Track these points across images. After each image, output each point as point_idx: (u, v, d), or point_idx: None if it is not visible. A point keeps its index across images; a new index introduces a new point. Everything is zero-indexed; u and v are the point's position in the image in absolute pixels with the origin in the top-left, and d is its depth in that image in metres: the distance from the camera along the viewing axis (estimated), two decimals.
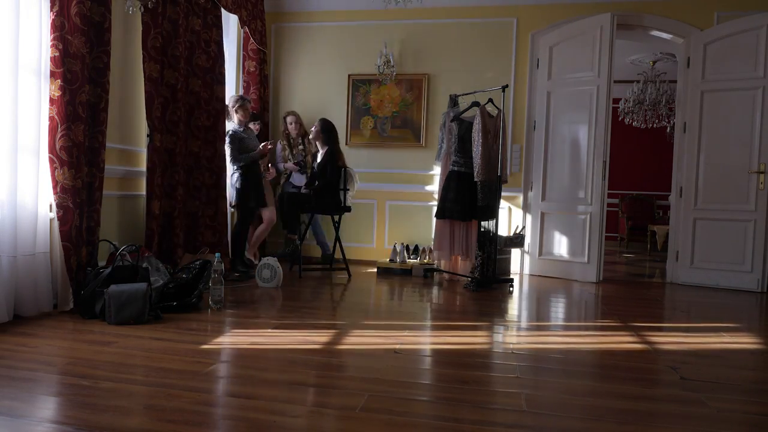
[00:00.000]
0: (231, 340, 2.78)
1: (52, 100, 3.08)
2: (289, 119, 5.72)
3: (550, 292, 4.56)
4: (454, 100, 5.11)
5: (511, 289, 4.52)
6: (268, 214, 5.20)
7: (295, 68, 6.08)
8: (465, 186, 4.73)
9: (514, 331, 3.18)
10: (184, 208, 4.39)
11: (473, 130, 4.61)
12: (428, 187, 5.76)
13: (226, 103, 4.92)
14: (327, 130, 4.97)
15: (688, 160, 5.18)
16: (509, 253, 5.16)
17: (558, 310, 3.95)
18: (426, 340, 2.96)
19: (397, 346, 2.72)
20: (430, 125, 5.78)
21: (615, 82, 5.40)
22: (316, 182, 4.90)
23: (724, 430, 1.85)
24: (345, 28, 5.94)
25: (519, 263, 5.57)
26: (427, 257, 5.38)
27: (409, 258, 5.46)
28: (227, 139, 4.82)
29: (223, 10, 4.82)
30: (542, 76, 5.46)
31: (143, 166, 4.07)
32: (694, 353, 2.78)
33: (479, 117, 4.56)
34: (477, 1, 5.62)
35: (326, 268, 5.20)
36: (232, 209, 5.58)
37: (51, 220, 3.20)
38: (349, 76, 5.93)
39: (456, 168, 4.80)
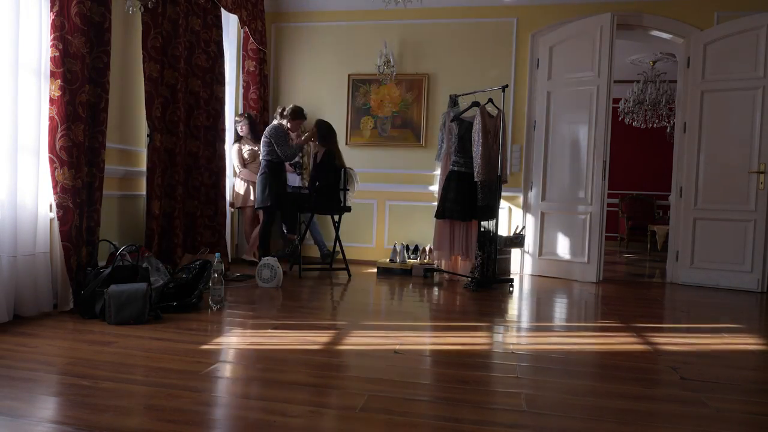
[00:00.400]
0: (231, 340, 2.78)
1: (52, 100, 3.08)
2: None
3: (550, 292, 4.56)
4: (454, 100, 5.11)
5: (511, 289, 4.52)
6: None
7: (295, 68, 6.08)
8: (465, 186, 4.73)
9: (514, 331, 3.18)
10: (183, 208, 4.39)
11: (473, 130, 4.61)
12: (428, 187, 5.76)
13: (278, 110, 5.13)
14: (323, 131, 4.96)
15: (688, 160, 5.18)
16: (509, 253, 5.16)
17: (558, 311, 3.95)
18: (426, 340, 2.96)
19: (397, 347, 2.72)
20: (430, 125, 5.78)
21: (615, 82, 5.40)
22: (317, 182, 4.90)
23: (724, 430, 1.85)
24: (345, 27, 5.94)
25: (519, 263, 5.56)
26: (427, 257, 5.38)
27: (409, 258, 5.46)
28: (273, 132, 4.90)
29: (223, 10, 4.82)
30: (542, 76, 5.46)
31: (143, 166, 4.07)
32: (695, 353, 2.78)
33: (479, 117, 4.56)
34: (477, 1, 5.62)
35: (326, 268, 5.20)
36: (232, 209, 5.58)
37: (51, 220, 3.20)
38: (349, 76, 5.92)
39: (456, 168, 4.80)
